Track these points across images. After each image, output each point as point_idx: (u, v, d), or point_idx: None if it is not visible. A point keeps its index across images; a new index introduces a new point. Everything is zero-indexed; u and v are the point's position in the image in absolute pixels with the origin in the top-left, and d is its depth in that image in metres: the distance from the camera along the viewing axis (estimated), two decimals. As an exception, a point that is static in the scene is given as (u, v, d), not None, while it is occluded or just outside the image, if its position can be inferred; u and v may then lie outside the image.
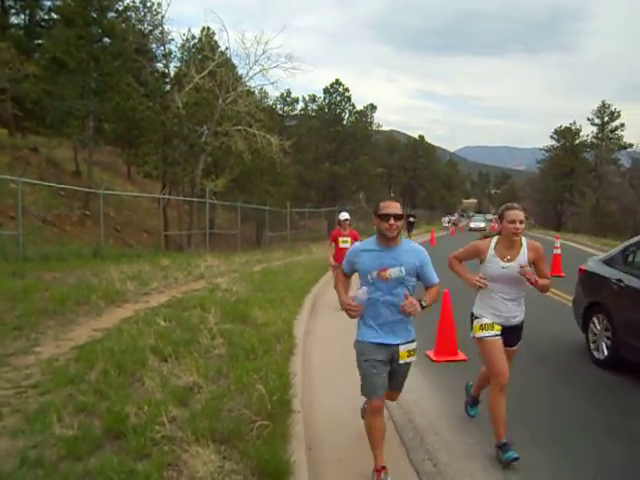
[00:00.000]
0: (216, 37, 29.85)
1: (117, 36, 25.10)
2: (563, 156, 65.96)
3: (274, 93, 67.88)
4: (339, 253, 9.79)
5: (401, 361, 3.78)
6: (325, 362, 6.79)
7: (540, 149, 72.85)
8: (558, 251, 16.51)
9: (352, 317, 3.73)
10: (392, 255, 3.69)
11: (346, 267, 3.97)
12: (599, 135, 64.16)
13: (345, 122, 55.98)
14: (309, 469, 3.72)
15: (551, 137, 69.67)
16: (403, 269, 3.68)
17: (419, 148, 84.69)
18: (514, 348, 4.40)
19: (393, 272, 3.67)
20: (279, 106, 53.06)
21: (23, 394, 4.70)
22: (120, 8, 27.15)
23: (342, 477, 3.88)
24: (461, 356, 6.86)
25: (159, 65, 29.21)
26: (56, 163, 27.06)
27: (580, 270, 7.86)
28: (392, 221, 3.61)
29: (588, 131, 70.18)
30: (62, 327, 7.14)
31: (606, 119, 63.51)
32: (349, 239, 9.96)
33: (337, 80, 55.81)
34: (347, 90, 55.70)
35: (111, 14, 26.47)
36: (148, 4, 27.73)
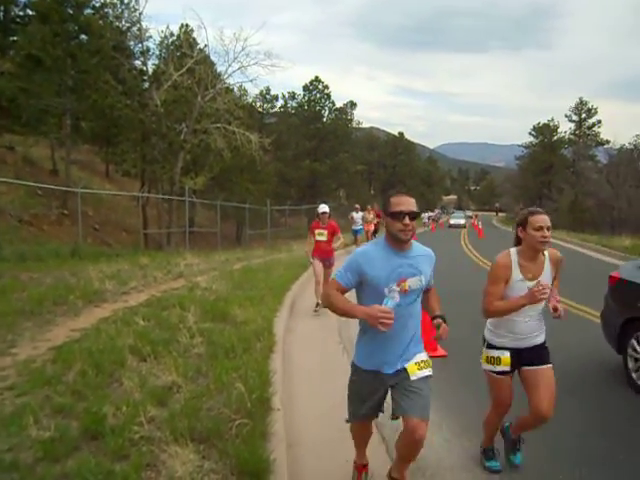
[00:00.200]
0: (195, 34, 29.83)
1: (94, 33, 24.77)
2: (541, 152, 66.77)
3: (253, 90, 67.96)
4: (316, 247, 9.72)
5: (412, 377, 3.14)
6: (305, 359, 6.80)
7: (519, 146, 73.62)
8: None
9: (387, 328, 2.90)
10: (408, 262, 3.13)
11: (348, 278, 3.14)
12: (577, 132, 64.92)
13: (325, 119, 56.21)
14: (289, 467, 3.72)
15: (530, 134, 70.51)
16: (423, 278, 3.15)
17: (399, 145, 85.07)
18: (548, 366, 3.66)
19: (412, 283, 3.10)
20: (258, 103, 53.10)
21: (-1, 396, 4.64)
22: (97, 5, 26.77)
23: (322, 474, 3.88)
24: (440, 352, 6.89)
25: (137, 62, 29.00)
26: (33, 162, 26.71)
27: (611, 278, 6.42)
28: (407, 220, 3.04)
29: (566, 128, 71.27)
30: (39, 328, 7.05)
31: (583, 116, 64.28)
32: (325, 232, 9.68)
33: (316, 77, 56.03)
34: (327, 87, 55.94)
35: (88, 11, 26.05)
36: (126, 1, 27.48)
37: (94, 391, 4.66)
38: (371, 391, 3.26)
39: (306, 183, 52.35)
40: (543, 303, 3.59)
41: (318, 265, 9.64)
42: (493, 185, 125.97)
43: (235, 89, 35.06)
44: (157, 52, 30.12)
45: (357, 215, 23.11)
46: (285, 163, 50.81)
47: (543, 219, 3.49)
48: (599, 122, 63.76)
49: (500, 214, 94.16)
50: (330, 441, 4.35)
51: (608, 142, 60.74)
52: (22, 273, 10.78)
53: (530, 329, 3.66)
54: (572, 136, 65.58)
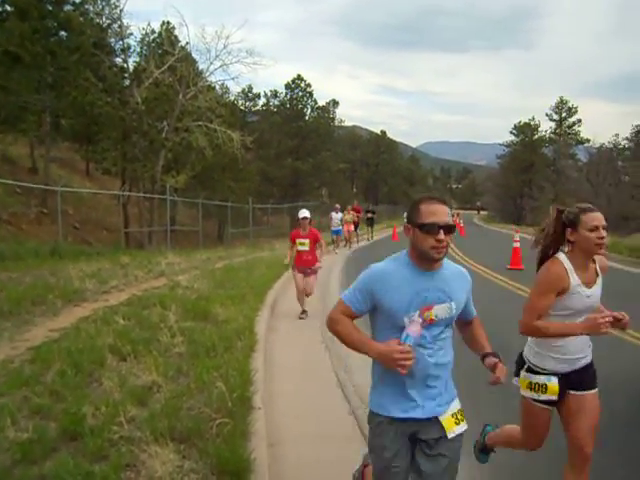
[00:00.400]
0: (176, 32, 29.53)
1: (74, 30, 24.50)
2: (522, 151, 67.29)
3: (235, 88, 67.89)
4: (297, 258, 9.22)
5: (450, 434, 2.46)
6: (287, 358, 6.80)
7: (500, 144, 74.28)
8: (517, 244, 16.85)
9: (407, 368, 2.31)
10: (436, 285, 2.43)
11: (358, 300, 2.48)
12: (557, 130, 65.76)
13: (307, 118, 56.16)
14: (270, 466, 3.72)
15: (511, 132, 71.03)
16: (454, 306, 2.47)
17: (381, 144, 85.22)
18: (594, 391, 3.08)
19: (440, 311, 2.42)
20: (240, 101, 52.99)
21: (-24, 397, 4.58)
22: (77, 1, 26.49)
23: (303, 474, 3.88)
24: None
25: (118, 60, 28.63)
26: (11, 160, 26.42)
27: None
28: (442, 235, 2.33)
29: (547, 127, 71.87)
30: (18, 328, 6.97)
31: (564, 115, 65.10)
32: (307, 241, 9.08)
33: (299, 75, 55.97)
34: (309, 86, 55.92)
35: (68, 7, 25.76)
36: (106, -3, 27.22)
37: (73, 391, 4.62)
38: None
39: (288, 182, 52.30)
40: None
41: (299, 278, 9.20)
42: (475, 184, 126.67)
43: (217, 87, 34.88)
44: (138, 49, 29.98)
45: (336, 216, 23.22)
46: (267, 161, 50.67)
47: (599, 217, 2.95)
48: (579, 121, 64.85)
49: (481, 212, 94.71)
50: (311, 440, 4.36)
51: (588, 141, 61.80)
52: (1, 273, 10.66)
53: (582, 345, 3.05)
54: (553, 135, 66.43)
